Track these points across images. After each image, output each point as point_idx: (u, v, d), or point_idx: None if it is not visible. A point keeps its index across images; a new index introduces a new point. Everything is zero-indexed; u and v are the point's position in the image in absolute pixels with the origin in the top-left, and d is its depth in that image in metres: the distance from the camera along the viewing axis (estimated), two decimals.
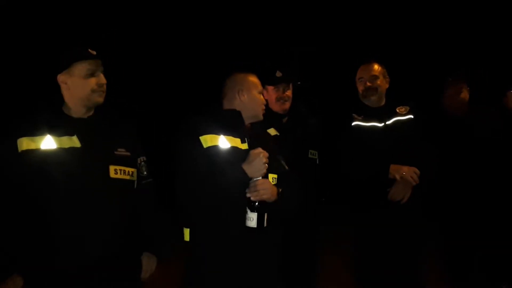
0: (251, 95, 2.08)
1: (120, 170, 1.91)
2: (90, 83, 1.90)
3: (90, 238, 1.77)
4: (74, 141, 1.84)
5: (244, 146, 2.00)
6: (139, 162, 2.07)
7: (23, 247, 1.78)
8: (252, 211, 1.84)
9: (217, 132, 1.97)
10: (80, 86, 1.89)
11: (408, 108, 2.74)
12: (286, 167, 2.16)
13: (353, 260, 2.71)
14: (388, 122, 2.69)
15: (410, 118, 2.71)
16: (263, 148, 1.97)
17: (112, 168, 1.88)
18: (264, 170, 1.89)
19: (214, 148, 1.94)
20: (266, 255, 1.97)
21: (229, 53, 8.24)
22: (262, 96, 2.11)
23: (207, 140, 1.94)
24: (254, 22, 8.27)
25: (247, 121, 2.09)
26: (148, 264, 2.06)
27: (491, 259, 2.77)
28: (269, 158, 1.98)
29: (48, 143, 1.81)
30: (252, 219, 1.84)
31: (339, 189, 2.74)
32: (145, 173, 2.08)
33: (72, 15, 7.28)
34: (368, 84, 2.73)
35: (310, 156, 2.83)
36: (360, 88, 2.77)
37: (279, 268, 2.04)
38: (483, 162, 2.82)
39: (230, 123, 2.03)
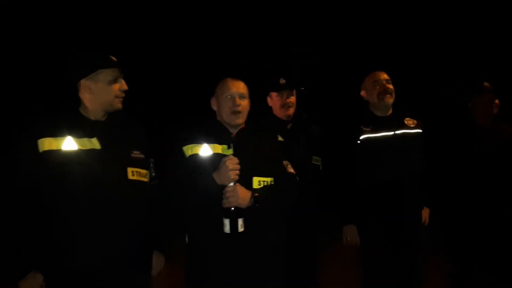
0: (219, 101, 2.14)
1: (136, 172, 1.97)
2: (114, 89, 1.96)
3: (108, 238, 1.82)
4: (94, 143, 1.89)
5: (230, 152, 2.05)
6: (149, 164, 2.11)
7: (42, 245, 1.82)
8: (225, 217, 1.90)
9: (199, 141, 2.06)
10: (104, 92, 1.94)
11: (415, 122, 2.80)
12: (290, 171, 2.17)
13: (360, 266, 2.77)
14: (397, 132, 2.74)
15: (418, 133, 2.78)
16: (248, 152, 2.03)
17: (129, 170, 1.94)
18: (232, 177, 1.92)
19: (195, 156, 2.04)
20: (253, 259, 1.99)
21: (231, 54, 8.32)
22: (230, 101, 2.09)
23: (188, 150, 2.06)
24: (255, 24, 8.35)
25: (228, 127, 2.13)
26: (157, 262, 2.14)
27: (495, 264, 2.75)
28: (261, 160, 2.06)
29: (69, 144, 1.84)
30: (226, 225, 1.89)
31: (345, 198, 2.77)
32: (153, 174, 2.14)
33: (79, 15, 7.34)
34: (387, 85, 2.75)
35: (313, 162, 2.88)
36: (376, 91, 2.77)
37: (278, 271, 2.09)
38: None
39: (212, 131, 2.11)
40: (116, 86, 1.97)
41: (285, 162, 2.18)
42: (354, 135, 2.75)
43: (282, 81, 2.92)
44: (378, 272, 2.64)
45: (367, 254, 2.72)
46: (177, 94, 8.73)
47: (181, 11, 8.39)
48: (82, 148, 1.86)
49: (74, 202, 1.81)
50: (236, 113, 2.07)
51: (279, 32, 8.43)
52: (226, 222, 1.89)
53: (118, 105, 1.99)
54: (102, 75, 1.94)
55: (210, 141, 2.06)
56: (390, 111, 2.83)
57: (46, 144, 1.83)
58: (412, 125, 2.79)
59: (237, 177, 1.93)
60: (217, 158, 2.00)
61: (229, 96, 2.10)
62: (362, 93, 2.90)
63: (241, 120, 2.11)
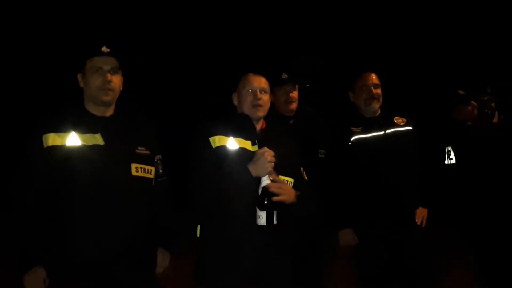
0: (240, 95, 2.16)
1: (141, 168, 1.96)
2: (95, 80, 1.91)
3: (111, 233, 1.82)
4: (97, 139, 1.89)
5: (254, 148, 2.06)
6: (155, 160, 2.11)
7: (45, 240, 1.82)
8: (261, 209, 1.89)
9: (226, 133, 2.05)
10: (88, 84, 1.92)
11: (405, 120, 2.82)
12: (305, 178, 2.23)
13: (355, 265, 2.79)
14: (388, 131, 2.76)
15: (408, 130, 2.80)
16: (274, 151, 2.01)
17: (133, 166, 1.94)
18: (269, 169, 1.93)
19: (222, 148, 2.02)
20: (273, 253, 2.00)
21: (236, 50, 8.35)
22: (251, 95, 2.11)
23: (215, 141, 2.03)
24: (261, 20, 8.37)
25: (255, 123, 2.15)
26: (162, 259, 2.13)
27: None
28: (283, 160, 2.06)
29: (72, 139, 1.85)
30: (261, 217, 1.88)
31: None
32: (160, 171, 2.13)
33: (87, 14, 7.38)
34: (374, 91, 2.78)
35: (320, 155, 2.87)
36: (363, 95, 2.80)
37: (291, 268, 2.10)
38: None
39: (239, 126, 2.11)
40: (98, 78, 1.91)
41: (302, 168, 2.23)
42: (344, 136, 2.77)
43: (285, 76, 2.91)
44: (372, 275, 2.65)
45: (362, 257, 2.73)
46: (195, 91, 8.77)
47: (183, 13, 8.43)
48: (86, 143, 1.86)
49: (77, 197, 1.81)
50: (256, 106, 2.10)
51: (283, 28, 8.44)
52: (262, 214, 1.88)
53: (103, 97, 1.93)
54: (87, 66, 1.92)
55: (236, 135, 2.07)
56: (379, 112, 2.85)
57: (50, 139, 1.84)
58: (402, 123, 2.81)
59: (271, 170, 1.95)
60: (244, 153, 2.01)
61: (250, 90, 2.12)
62: (350, 94, 2.91)
63: (261, 113, 2.13)
